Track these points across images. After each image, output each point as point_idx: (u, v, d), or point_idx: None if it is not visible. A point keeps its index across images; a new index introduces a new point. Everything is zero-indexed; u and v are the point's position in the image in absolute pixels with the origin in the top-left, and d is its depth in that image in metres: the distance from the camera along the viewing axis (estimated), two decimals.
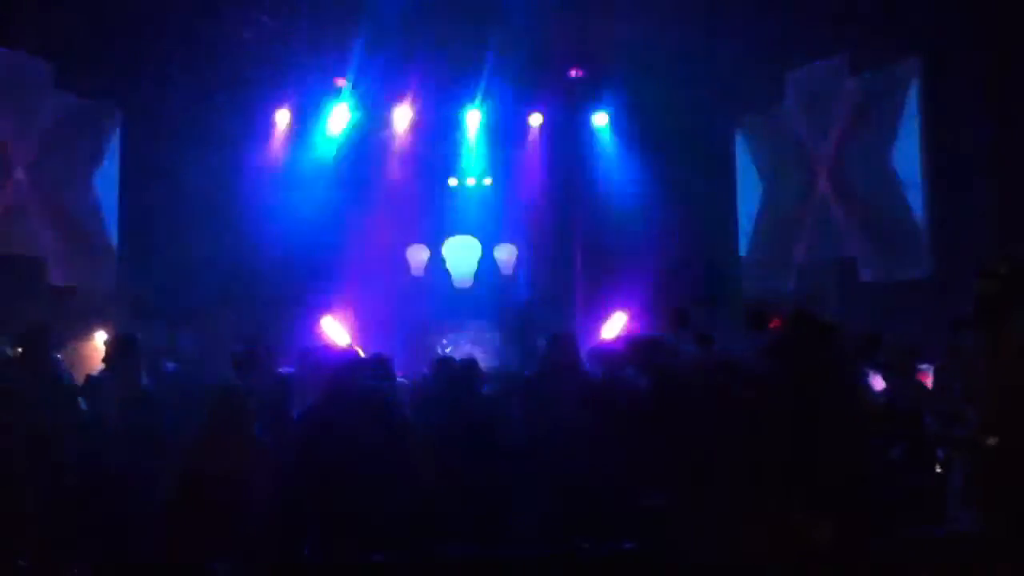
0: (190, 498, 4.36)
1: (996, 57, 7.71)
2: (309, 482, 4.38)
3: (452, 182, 13.48)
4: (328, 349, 7.39)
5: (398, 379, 5.95)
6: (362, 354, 10.20)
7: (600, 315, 12.21)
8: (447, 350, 12.32)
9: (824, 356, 3.32)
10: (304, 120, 12.59)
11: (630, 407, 4.03)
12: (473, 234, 13.47)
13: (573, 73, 12.27)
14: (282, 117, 12.47)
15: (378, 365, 5.26)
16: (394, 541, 4.27)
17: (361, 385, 4.80)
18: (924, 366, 5.59)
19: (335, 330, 11.45)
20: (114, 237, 10.98)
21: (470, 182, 13.50)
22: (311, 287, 11.77)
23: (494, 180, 13.46)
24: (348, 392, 4.63)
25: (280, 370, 5.94)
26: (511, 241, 13.54)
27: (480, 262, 13.49)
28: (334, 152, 12.68)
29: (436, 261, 13.47)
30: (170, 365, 6.98)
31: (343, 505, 4.30)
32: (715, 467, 3.41)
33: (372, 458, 4.35)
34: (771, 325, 3.98)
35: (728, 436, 3.43)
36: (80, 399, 5.19)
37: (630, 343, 4.28)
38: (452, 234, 13.47)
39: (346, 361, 5.13)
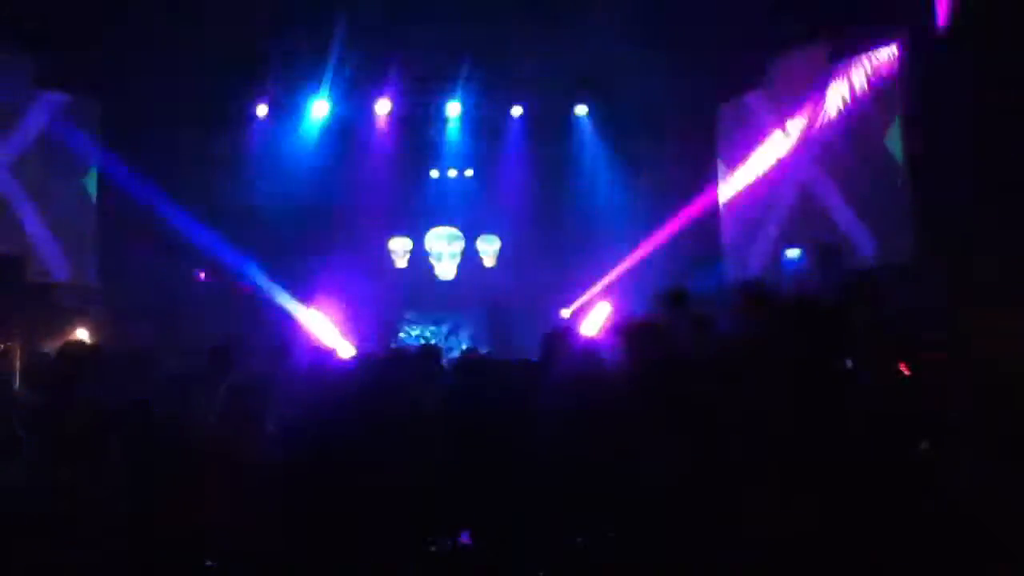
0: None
1: (977, 42, 7.73)
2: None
3: (434, 174, 13.43)
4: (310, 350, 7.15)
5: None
6: (346, 347, 10.23)
7: (583, 305, 12.23)
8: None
9: (826, 346, 3.28)
10: (284, 113, 12.50)
11: (619, 401, 3.91)
12: (455, 225, 13.45)
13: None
14: (262, 110, 12.38)
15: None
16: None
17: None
18: None
19: (317, 322, 11.38)
20: (94, 232, 10.87)
21: (451, 173, 13.46)
22: (293, 280, 11.71)
23: (475, 171, 13.43)
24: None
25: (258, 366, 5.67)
26: (493, 232, 13.52)
27: (462, 253, 13.49)
28: (315, 145, 12.60)
29: (419, 252, 13.44)
30: None
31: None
32: (710, 462, 3.34)
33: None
34: (761, 310, 3.91)
35: (723, 430, 3.36)
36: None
37: (620, 330, 4.17)
38: (434, 225, 13.44)
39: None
